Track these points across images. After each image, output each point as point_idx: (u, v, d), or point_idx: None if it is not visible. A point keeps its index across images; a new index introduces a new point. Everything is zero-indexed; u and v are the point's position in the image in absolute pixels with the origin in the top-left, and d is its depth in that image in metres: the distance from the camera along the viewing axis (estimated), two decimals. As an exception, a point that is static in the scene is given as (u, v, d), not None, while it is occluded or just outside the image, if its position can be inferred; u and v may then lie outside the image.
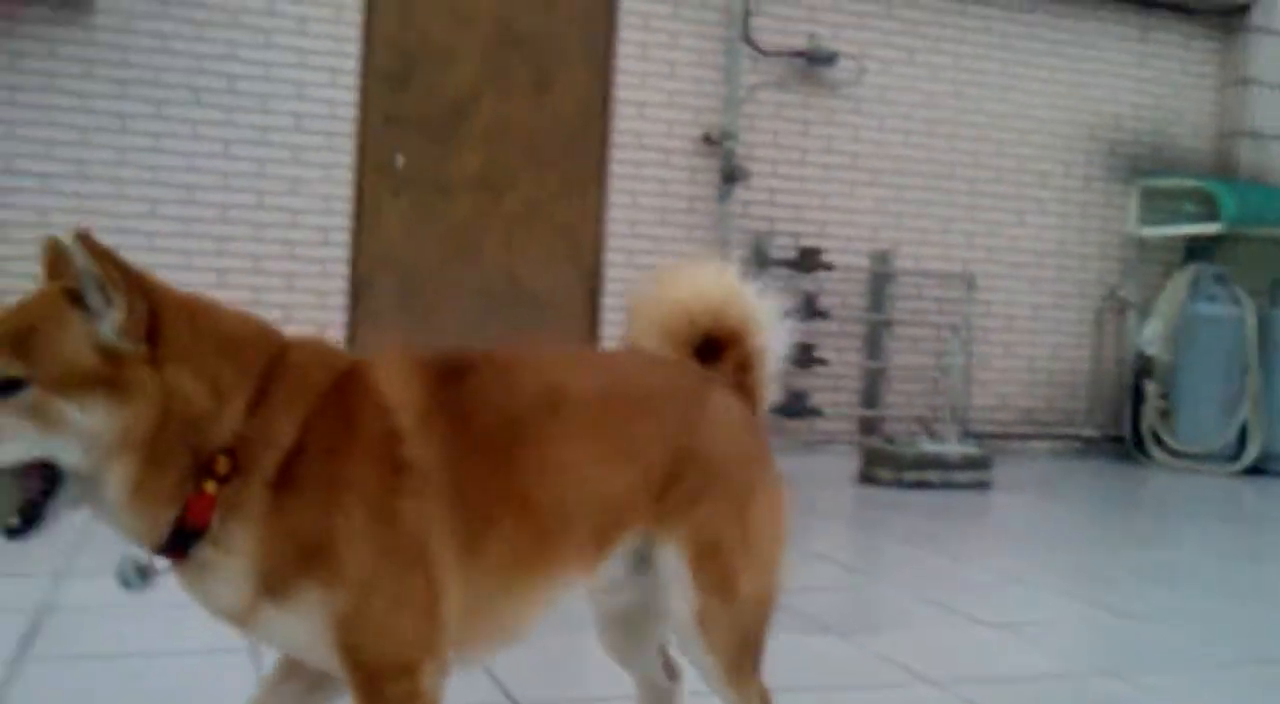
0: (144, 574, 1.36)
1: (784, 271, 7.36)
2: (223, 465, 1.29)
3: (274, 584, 1.30)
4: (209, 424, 1.29)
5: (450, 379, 1.43)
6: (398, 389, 1.38)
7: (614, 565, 1.57)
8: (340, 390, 1.36)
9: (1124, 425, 8.10)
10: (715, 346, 1.72)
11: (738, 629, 1.58)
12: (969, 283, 7.69)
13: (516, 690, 2.28)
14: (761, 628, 1.63)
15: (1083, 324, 8.25)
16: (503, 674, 2.36)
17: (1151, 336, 7.96)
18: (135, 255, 5.37)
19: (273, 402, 1.32)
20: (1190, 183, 8.10)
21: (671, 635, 1.70)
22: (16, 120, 6.06)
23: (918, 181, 7.81)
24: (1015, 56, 8.01)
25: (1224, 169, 8.35)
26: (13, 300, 1.34)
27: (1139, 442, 7.96)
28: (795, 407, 7.27)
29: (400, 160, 6.73)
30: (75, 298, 1.28)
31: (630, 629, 1.78)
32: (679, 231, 7.26)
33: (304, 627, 1.31)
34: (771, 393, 1.78)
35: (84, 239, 1.26)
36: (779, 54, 7.40)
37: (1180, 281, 7.94)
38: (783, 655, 2.67)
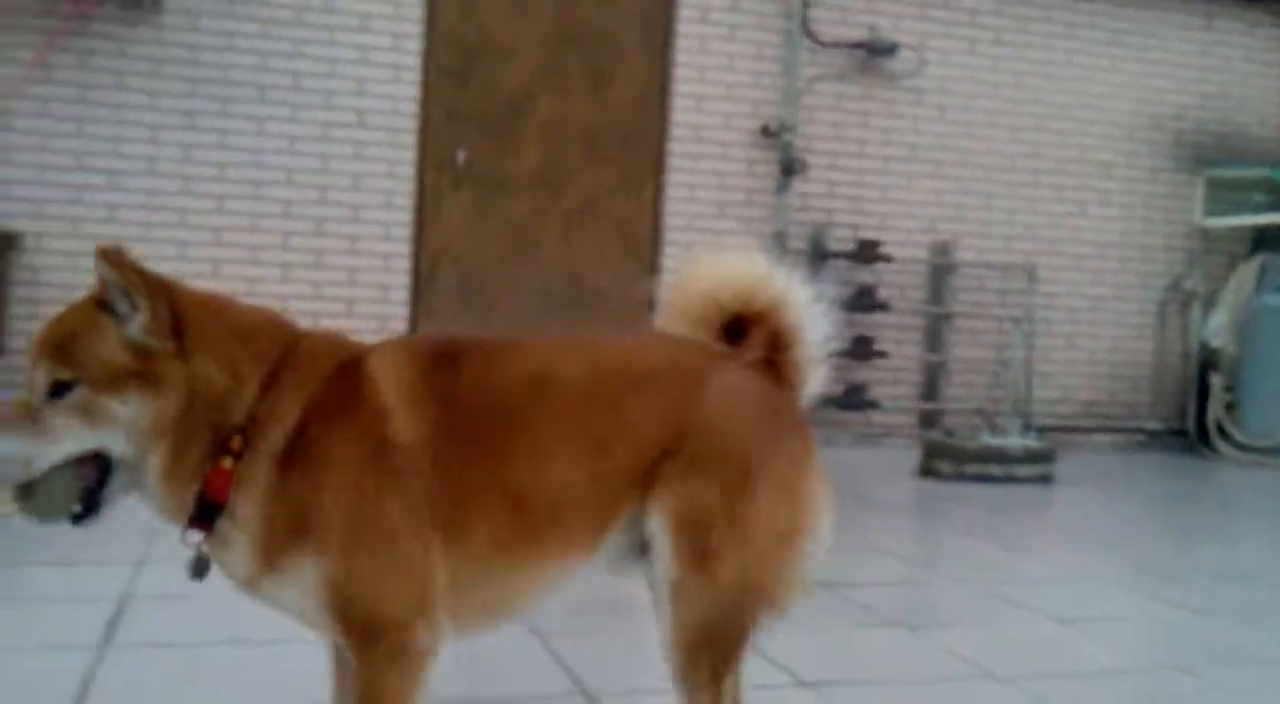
0: (204, 564, 1.49)
1: (842, 264, 7.35)
2: (237, 443, 1.43)
3: (273, 552, 1.41)
4: (228, 404, 1.44)
5: (443, 365, 1.52)
6: (391, 375, 1.49)
7: (616, 546, 1.58)
8: (341, 376, 1.49)
9: (1188, 419, 7.99)
10: (742, 328, 1.71)
11: (709, 613, 1.51)
12: (1030, 275, 7.62)
13: (587, 679, 2.31)
14: (739, 623, 1.54)
15: (1146, 316, 8.15)
16: (574, 663, 2.39)
17: (1217, 328, 7.85)
18: (201, 250, 5.54)
19: (281, 385, 1.46)
20: (1257, 172, 7.96)
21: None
22: (87, 117, 6.18)
23: (978, 173, 7.75)
24: (1078, 46, 7.92)
25: (1292, 158, 8.21)
26: (55, 311, 1.49)
27: (1203, 435, 7.84)
28: (854, 399, 7.25)
29: (461, 156, 6.79)
30: (105, 306, 1.44)
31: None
32: (737, 225, 7.26)
33: (300, 592, 1.41)
34: (816, 376, 1.72)
35: (104, 253, 1.41)
36: (838, 46, 7.37)
37: (1247, 272, 7.82)
38: (847, 649, 2.68)
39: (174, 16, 6.27)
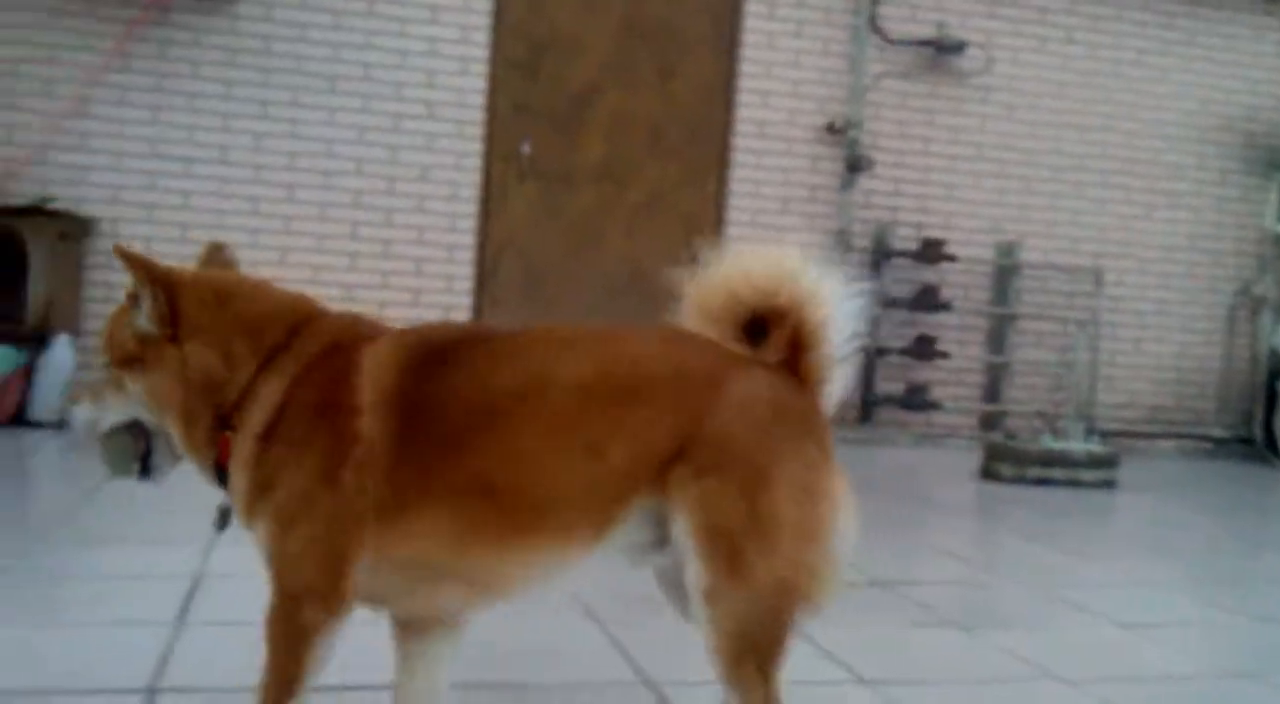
0: (225, 517, 1.70)
1: (906, 262, 7.31)
2: (235, 420, 1.60)
3: (249, 512, 1.59)
4: (224, 386, 1.60)
5: (430, 363, 1.57)
6: (374, 369, 1.56)
7: (631, 535, 1.60)
8: (327, 363, 1.59)
9: (1255, 426, 7.86)
10: (763, 327, 1.67)
11: (748, 616, 1.52)
12: (1096, 277, 7.54)
13: (650, 669, 2.33)
14: (778, 622, 1.55)
15: (1214, 321, 8.03)
16: (637, 653, 2.42)
17: (1287, 335, 7.72)
18: (271, 239, 5.64)
19: (270, 368, 1.60)
20: (1332, 177, 7.82)
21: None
22: (163, 106, 6.31)
23: (1045, 173, 7.67)
24: (1149, 45, 7.81)
25: (1370, 163, 8.04)
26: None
27: (1271, 443, 7.71)
28: (915, 399, 7.22)
29: (526, 149, 6.84)
30: (133, 298, 1.65)
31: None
32: (800, 221, 7.25)
33: (259, 549, 1.58)
34: (840, 377, 1.67)
35: (119, 251, 1.61)
36: (906, 43, 7.33)
37: (1319, 279, 7.68)
38: (905, 647, 2.69)
39: (249, 7, 6.37)
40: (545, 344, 1.65)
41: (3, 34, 6.08)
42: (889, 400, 7.26)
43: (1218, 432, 7.91)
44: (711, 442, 1.54)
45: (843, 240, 7.17)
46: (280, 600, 1.55)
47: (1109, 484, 5.73)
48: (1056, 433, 6.25)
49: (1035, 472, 5.65)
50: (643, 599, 2.69)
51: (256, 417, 1.57)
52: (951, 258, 7.31)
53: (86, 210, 6.11)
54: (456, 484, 1.53)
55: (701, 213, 7.10)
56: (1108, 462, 5.81)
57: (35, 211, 5.77)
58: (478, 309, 6.73)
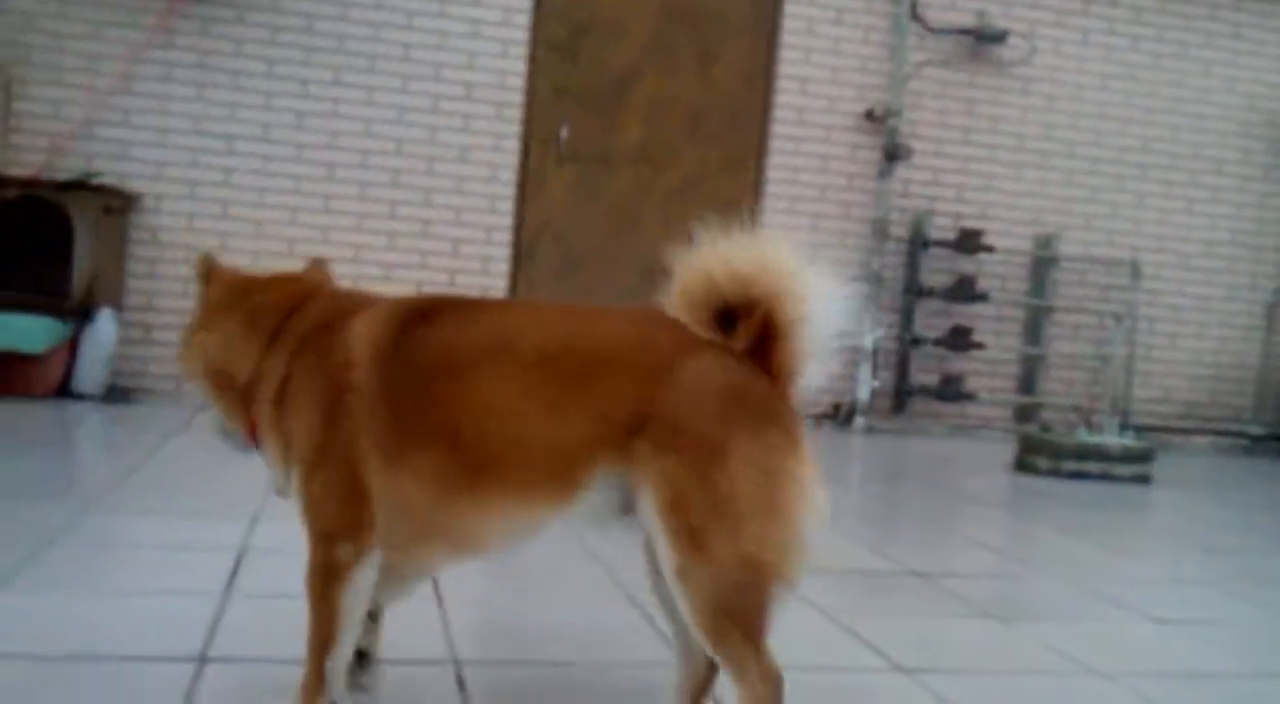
0: (229, 437, 1.89)
1: (943, 252, 7.29)
2: (253, 394, 1.78)
3: (284, 475, 1.73)
4: (236, 368, 1.80)
5: (414, 322, 1.70)
6: (366, 330, 1.70)
7: (596, 502, 1.65)
8: (324, 332, 1.74)
9: (1292, 424, 7.81)
10: (733, 316, 1.67)
11: (715, 592, 1.56)
12: (1135, 271, 7.49)
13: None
14: (747, 598, 1.58)
15: (1253, 317, 7.96)
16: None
17: (1327, 333, 7.65)
18: (311, 217, 5.68)
19: (275, 345, 1.77)
20: (1378, 174, 7.73)
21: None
22: (206, 83, 6.35)
23: (1085, 165, 7.62)
24: (1193, 39, 7.73)
25: None
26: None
27: (1308, 442, 7.67)
28: (949, 390, 7.21)
29: (565, 132, 6.85)
30: None
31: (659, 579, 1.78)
32: (837, 208, 7.24)
33: (294, 501, 1.71)
34: (811, 370, 1.67)
35: (199, 257, 1.90)
36: (947, 31, 7.29)
37: (1362, 277, 7.60)
38: (942, 637, 2.69)
39: (293, -14, 6.42)
40: (518, 311, 1.82)
41: (49, 10, 6.14)
42: (924, 391, 7.24)
43: (1254, 429, 7.85)
44: (665, 419, 1.58)
45: (880, 229, 7.15)
46: (313, 546, 1.68)
47: (1144, 479, 5.70)
48: (1092, 426, 6.22)
49: (1070, 465, 5.63)
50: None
51: (267, 388, 1.75)
52: (989, 248, 7.28)
53: (130, 186, 6.17)
54: (430, 432, 1.64)
55: (739, 199, 7.09)
56: (1143, 456, 5.78)
57: (80, 186, 5.83)
58: (514, 291, 6.76)
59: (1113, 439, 5.90)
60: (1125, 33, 7.62)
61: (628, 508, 1.65)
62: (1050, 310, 7.49)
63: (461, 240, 6.68)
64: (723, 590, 1.56)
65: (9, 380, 5.54)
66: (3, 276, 5.74)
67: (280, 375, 1.74)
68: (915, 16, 7.22)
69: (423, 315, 1.71)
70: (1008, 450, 6.12)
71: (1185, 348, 7.84)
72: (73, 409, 5.41)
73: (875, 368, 7.15)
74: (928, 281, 7.26)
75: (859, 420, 7.08)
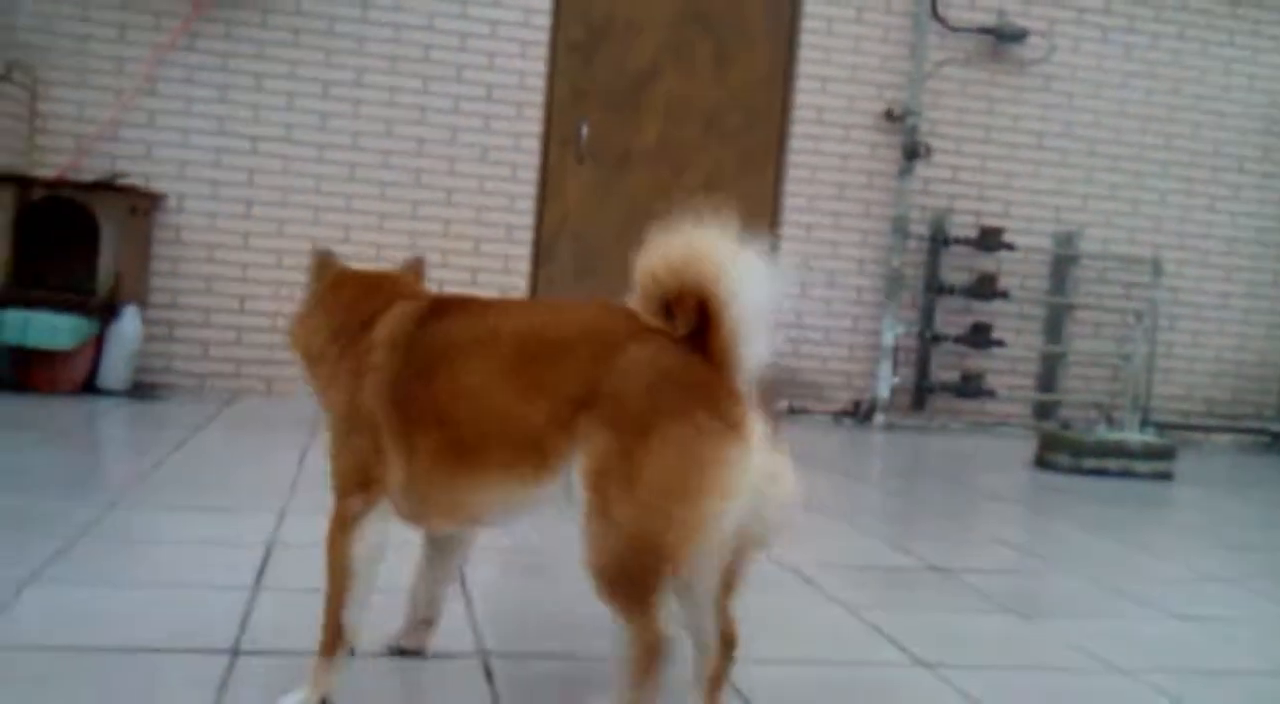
0: None
1: (964, 250, 7.29)
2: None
3: None
4: (327, 350, 1.98)
5: (433, 316, 1.88)
6: (393, 320, 1.89)
7: (560, 483, 1.76)
8: (369, 322, 1.92)
9: (1315, 422, 7.78)
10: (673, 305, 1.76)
11: (611, 552, 1.66)
12: (1156, 268, 7.47)
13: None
14: (638, 562, 1.66)
15: (1275, 314, 7.94)
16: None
17: (1350, 331, 7.61)
18: (334, 216, 5.75)
19: (339, 331, 1.96)
20: (1401, 171, 7.68)
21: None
22: (229, 84, 6.40)
23: (1105, 163, 7.61)
24: (1213, 36, 7.71)
25: None
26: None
27: (1331, 440, 7.63)
28: (969, 387, 7.21)
29: (584, 132, 6.87)
30: None
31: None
32: (857, 207, 7.24)
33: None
34: (750, 355, 1.71)
35: (313, 252, 2.13)
36: (967, 30, 7.29)
37: (1385, 274, 7.56)
38: (964, 632, 2.70)
39: (315, -12, 6.46)
40: (506, 307, 2.03)
41: (74, 13, 6.20)
42: (944, 388, 7.25)
43: (1276, 426, 7.82)
44: (606, 397, 1.70)
45: (900, 227, 7.15)
46: (335, 505, 1.85)
47: (1165, 476, 5.69)
48: (1112, 423, 6.21)
49: (1090, 462, 5.62)
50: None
51: (329, 360, 1.96)
52: (1009, 246, 7.27)
53: (154, 186, 6.23)
54: (427, 411, 1.81)
55: (758, 198, 7.10)
56: (1164, 453, 5.77)
57: (106, 186, 5.89)
58: (534, 290, 6.79)
59: (1134, 436, 5.89)
60: (1145, 30, 7.60)
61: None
62: (1071, 308, 7.48)
63: (483, 239, 6.72)
64: (614, 550, 1.66)
65: (37, 376, 5.61)
66: (31, 275, 5.82)
67: (337, 353, 1.96)
68: (935, 15, 7.22)
69: (436, 311, 1.90)
70: (1028, 447, 6.12)
71: (1207, 345, 7.82)
72: (99, 405, 5.47)
73: (895, 365, 7.15)
74: (948, 279, 7.26)
75: (879, 417, 7.09)
